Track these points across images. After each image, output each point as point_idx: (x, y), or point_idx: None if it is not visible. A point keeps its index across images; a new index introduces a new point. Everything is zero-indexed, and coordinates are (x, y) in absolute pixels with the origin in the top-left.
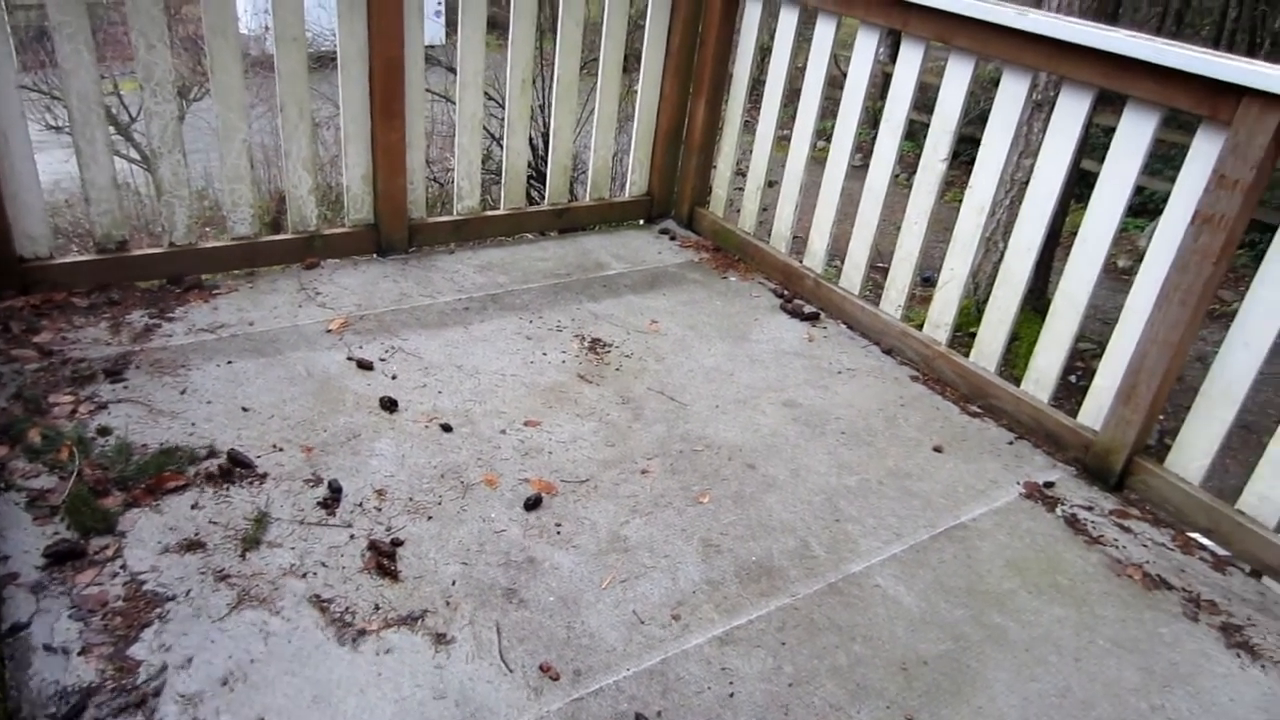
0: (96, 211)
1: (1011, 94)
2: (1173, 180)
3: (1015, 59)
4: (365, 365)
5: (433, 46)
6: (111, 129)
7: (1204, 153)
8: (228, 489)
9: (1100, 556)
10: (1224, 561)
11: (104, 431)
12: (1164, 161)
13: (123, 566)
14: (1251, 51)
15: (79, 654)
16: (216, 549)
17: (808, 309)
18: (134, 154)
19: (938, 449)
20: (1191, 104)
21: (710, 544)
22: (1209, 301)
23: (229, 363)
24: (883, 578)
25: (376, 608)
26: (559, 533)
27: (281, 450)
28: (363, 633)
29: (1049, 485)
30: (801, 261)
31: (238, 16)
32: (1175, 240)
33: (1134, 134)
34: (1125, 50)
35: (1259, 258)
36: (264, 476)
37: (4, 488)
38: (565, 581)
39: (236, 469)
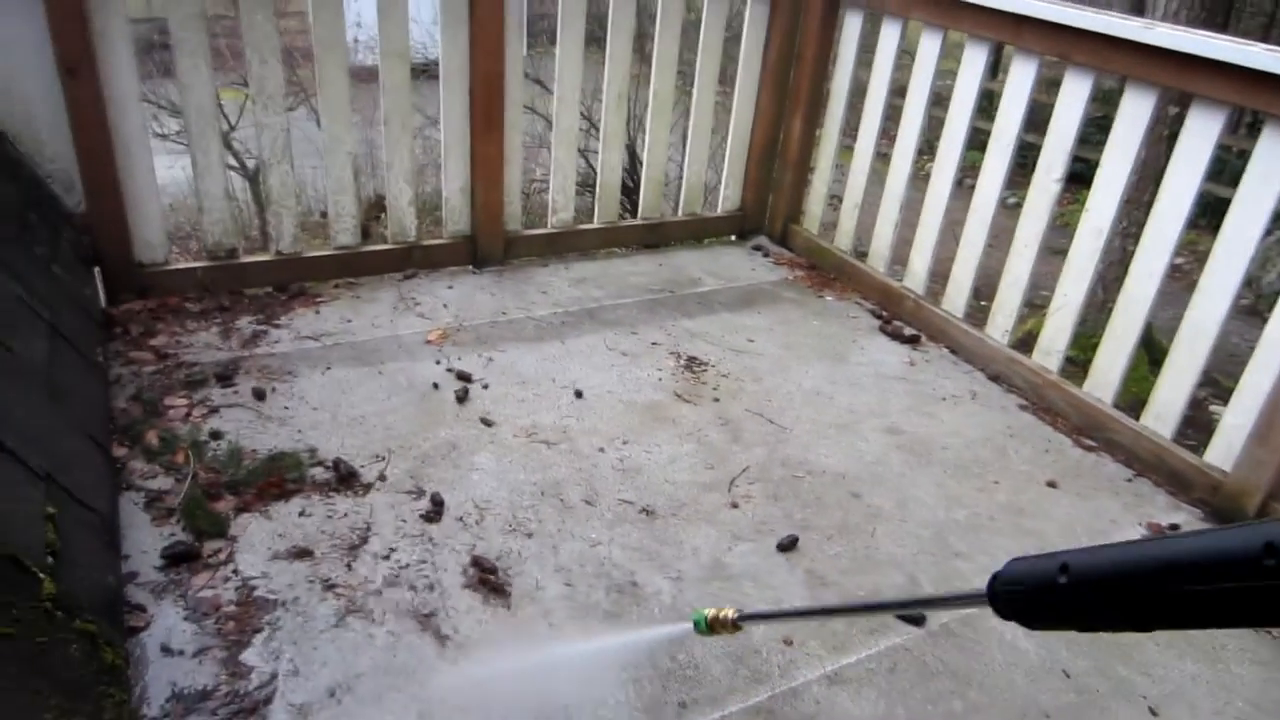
0: (209, 220)
1: (1133, 113)
2: None
3: (1140, 75)
4: (464, 377)
5: None
6: None
7: None
8: (333, 497)
9: None
10: None
11: (216, 435)
12: None
13: (234, 571)
14: None
15: (194, 657)
16: (324, 558)
17: (908, 331)
18: (232, 162)
19: (1051, 484)
20: None
21: (816, 575)
22: None
23: (330, 369)
24: (999, 621)
25: (480, 625)
26: (660, 556)
27: (384, 460)
28: (466, 651)
29: (1174, 528)
30: (901, 282)
31: (346, 32)
32: None
33: (1273, 156)
34: (1266, 65)
35: None
36: (368, 486)
37: (125, 487)
38: (668, 608)
39: (342, 477)
